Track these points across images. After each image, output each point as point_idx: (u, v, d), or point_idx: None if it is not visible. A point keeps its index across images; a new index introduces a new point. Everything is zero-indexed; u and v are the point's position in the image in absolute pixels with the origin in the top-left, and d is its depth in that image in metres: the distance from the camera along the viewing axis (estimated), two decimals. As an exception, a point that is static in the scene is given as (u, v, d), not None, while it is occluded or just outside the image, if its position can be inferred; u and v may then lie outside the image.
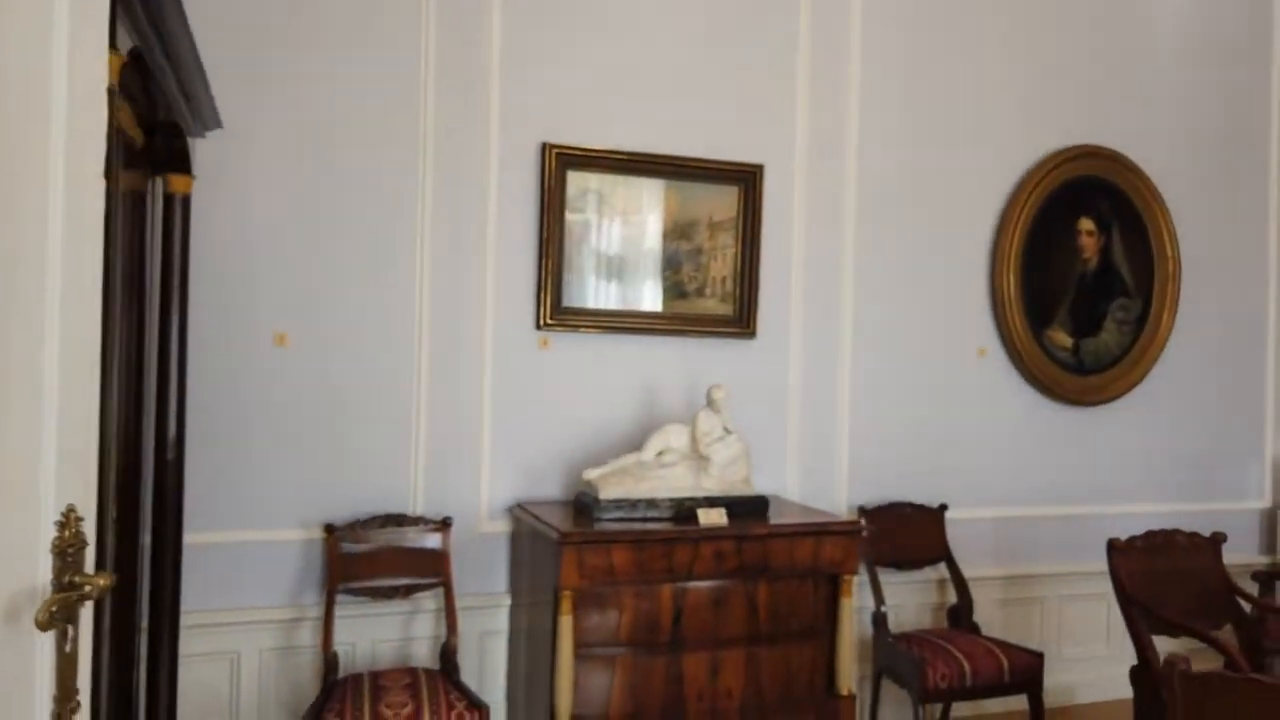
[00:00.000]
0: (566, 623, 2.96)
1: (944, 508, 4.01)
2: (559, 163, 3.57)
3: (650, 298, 3.73)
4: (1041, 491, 4.30)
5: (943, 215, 4.15)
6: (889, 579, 3.92)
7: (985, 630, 3.91)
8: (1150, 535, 3.38)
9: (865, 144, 4.01)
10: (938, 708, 3.89)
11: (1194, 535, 3.46)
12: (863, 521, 3.79)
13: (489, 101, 3.51)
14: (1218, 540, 3.48)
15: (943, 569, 3.98)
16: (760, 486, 3.76)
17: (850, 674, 3.30)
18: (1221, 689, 1.82)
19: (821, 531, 3.26)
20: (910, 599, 4.04)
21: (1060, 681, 4.20)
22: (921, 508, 3.99)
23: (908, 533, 3.94)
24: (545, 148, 3.55)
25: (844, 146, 3.99)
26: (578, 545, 2.97)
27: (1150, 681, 3.13)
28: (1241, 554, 4.56)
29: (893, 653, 3.59)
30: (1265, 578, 4.11)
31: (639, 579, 3.06)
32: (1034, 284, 4.24)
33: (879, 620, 3.70)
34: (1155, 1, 4.51)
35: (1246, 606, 3.38)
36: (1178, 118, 4.53)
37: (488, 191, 3.51)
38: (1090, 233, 4.35)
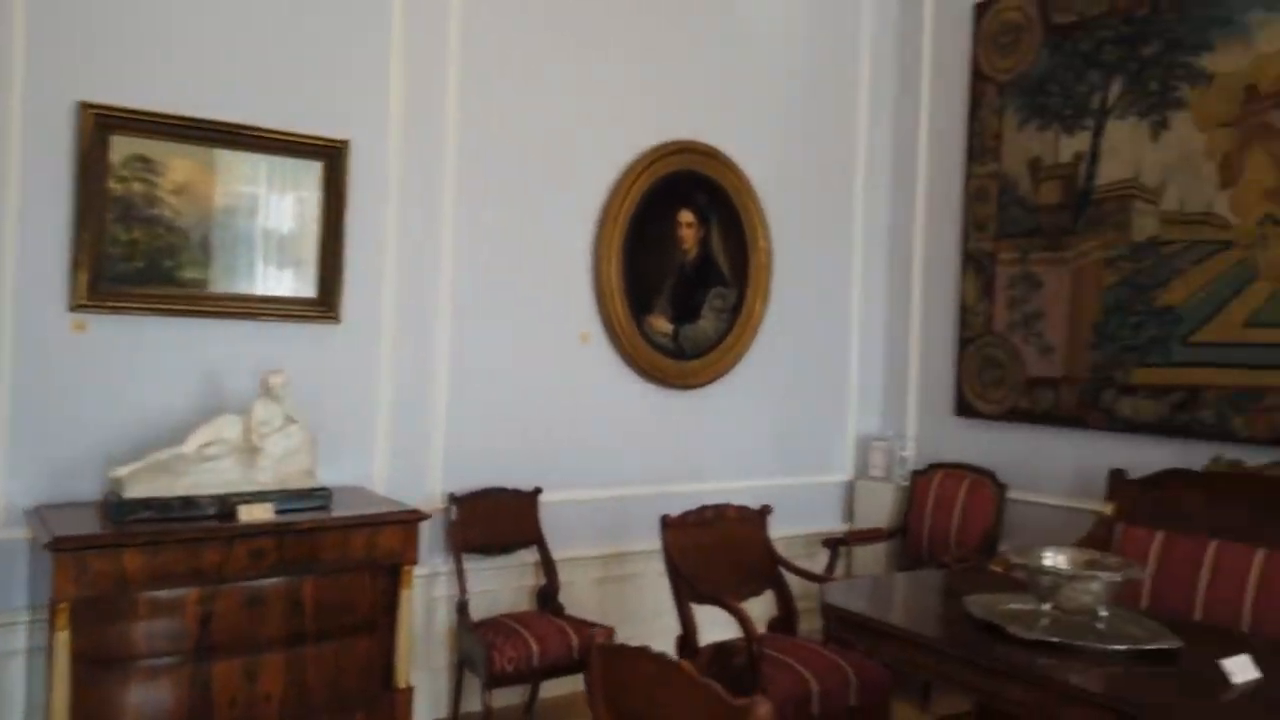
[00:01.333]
0: (62, 639, 2.68)
1: (538, 491, 4.07)
2: (97, 125, 3.22)
3: (220, 278, 3.47)
4: (644, 472, 4.47)
5: (548, 201, 4.19)
6: (480, 565, 3.92)
7: (576, 610, 4.02)
8: (703, 510, 3.59)
9: (465, 125, 3.95)
10: (526, 690, 3.96)
11: (743, 509, 3.72)
12: (442, 509, 3.76)
13: (11, 52, 3.09)
14: (764, 513, 3.76)
15: (536, 552, 4.04)
16: (341, 478, 3.62)
17: (406, 667, 3.25)
18: (632, 661, 1.90)
19: (377, 523, 3.18)
20: (505, 584, 4.07)
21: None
22: (516, 492, 4.02)
23: (501, 518, 3.95)
24: (81, 107, 3.19)
25: (443, 124, 3.91)
26: (75, 552, 2.69)
27: (691, 651, 3.33)
28: (826, 523, 5.01)
29: (469, 639, 3.59)
30: (834, 543, 4.52)
31: (158, 584, 2.83)
32: (636, 272, 4.39)
33: (461, 608, 3.69)
34: (756, 13, 4.79)
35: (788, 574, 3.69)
36: (774, 119, 4.85)
37: (8, 156, 3.11)
38: (690, 224, 4.57)
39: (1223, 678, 2.23)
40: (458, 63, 3.94)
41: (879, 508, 4.94)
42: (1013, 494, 4.49)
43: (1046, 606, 2.54)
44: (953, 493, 4.59)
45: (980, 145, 4.72)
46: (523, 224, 4.12)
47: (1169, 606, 3.66)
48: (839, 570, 4.78)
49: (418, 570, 3.35)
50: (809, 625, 4.21)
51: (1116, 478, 4.01)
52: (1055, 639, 2.39)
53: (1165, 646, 2.40)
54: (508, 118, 4.06)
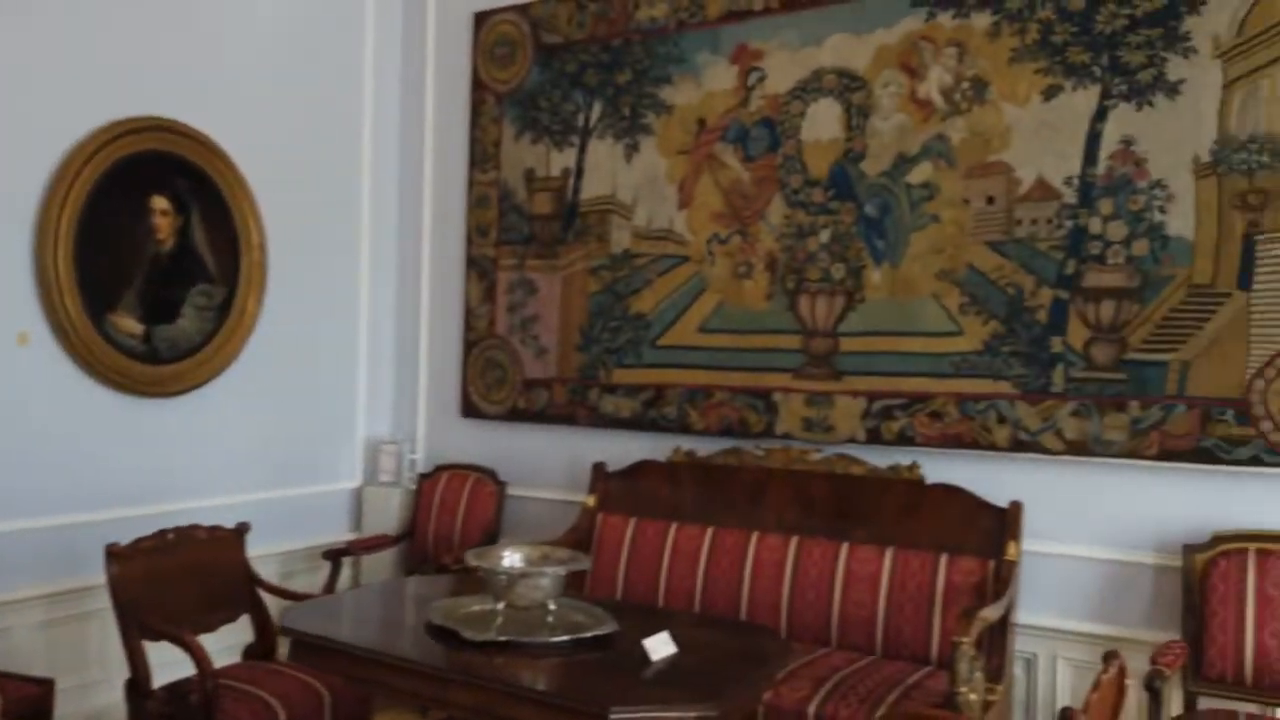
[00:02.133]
0: None
1: (-47, 527, 3.36)
2: None
3: None
4: (105, 494, 3.90)
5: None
6: None
7: (14, 661, 3.38)
8: (163, 534, 3.22)
9: None
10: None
11: (216, 529, 3.40)
12: None
13: None
14: (241, 531, 3.48)
15: (-50, 600, 3.34)
16: None
17: None
18: None
19: None
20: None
21: (98, 705, 3.82)
22: (-82, 530, 3.28)
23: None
24: None
25: None
26: None
27: (143, 694, 2.95)
28: (333, 534, 4.80)
29: None
30: (335, 555, 4.33)
31: None
32: (93, 265, 3.81)
33: None
34: (253, 9, 4.43)
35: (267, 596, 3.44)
36: (271, 108, 4.52)
37: None
38: (165, 212, 4.08)
39: (646, 656, 2.46)
40: None
41: (388, 513, 4.84)
42: (513, 491, 4.66)
43: (501, 606, 2.61)
44: (457, 493, 4.65)
45: (482, 153, 4.83)
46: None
47: (641, 587, 4.03)
48: (346, 582, 4.61)
49: None
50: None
51: (598, 470, 4.33)
52: (505, 638, 2.47)
53: (603, 632, 2.59)
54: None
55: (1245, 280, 3.25)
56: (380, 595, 3.34)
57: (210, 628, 3.24)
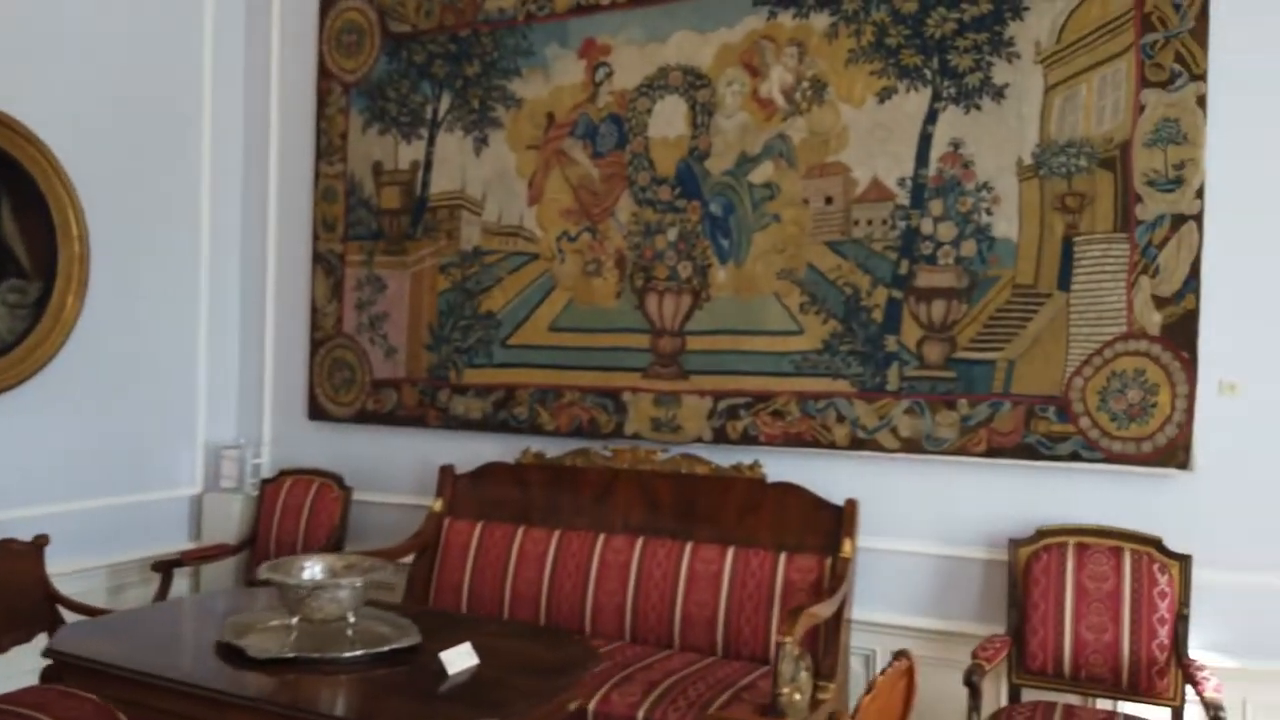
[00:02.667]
0: None
1: None
2: None
3: None
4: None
5: None
6: None
7: None
8: (-55, 553, 2.97)
9: None
10: None
11: (10, 542, 3.17)
12: None
13: None
14: (39, 545, 3.25)
15: None
16: None
17: None
18: None
19: None
20: None
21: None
22: None
23: None
24: None
25: None
26: None
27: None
28: (170, 544, 4.54)
29: None
30: (166, 566, 4.10)
31: None
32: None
33: None
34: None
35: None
36: (99, 97, 4.24)
37: None
38: (-32, 203, 3.79)
39: (444, 669, 2.36)
40: None
41: (229, 521, 4.61)
42: (361, 496, 4.50)
43: (295, 620, 2.48)
44: (301, 499, 4.46)
45: (329, 144, 4.65)
46: None
47: (487, 593, 3.93)
48: (185, 595, 4.38)
49: None
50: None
51: (445, 473, 4.21)
52: (294, 655, 2.34)
53: (404, 645, 2.49)
54: None
55: (1065, 281, 3.33)
56: (176, 611, 3.16)
57: (3, 648, 3.01)
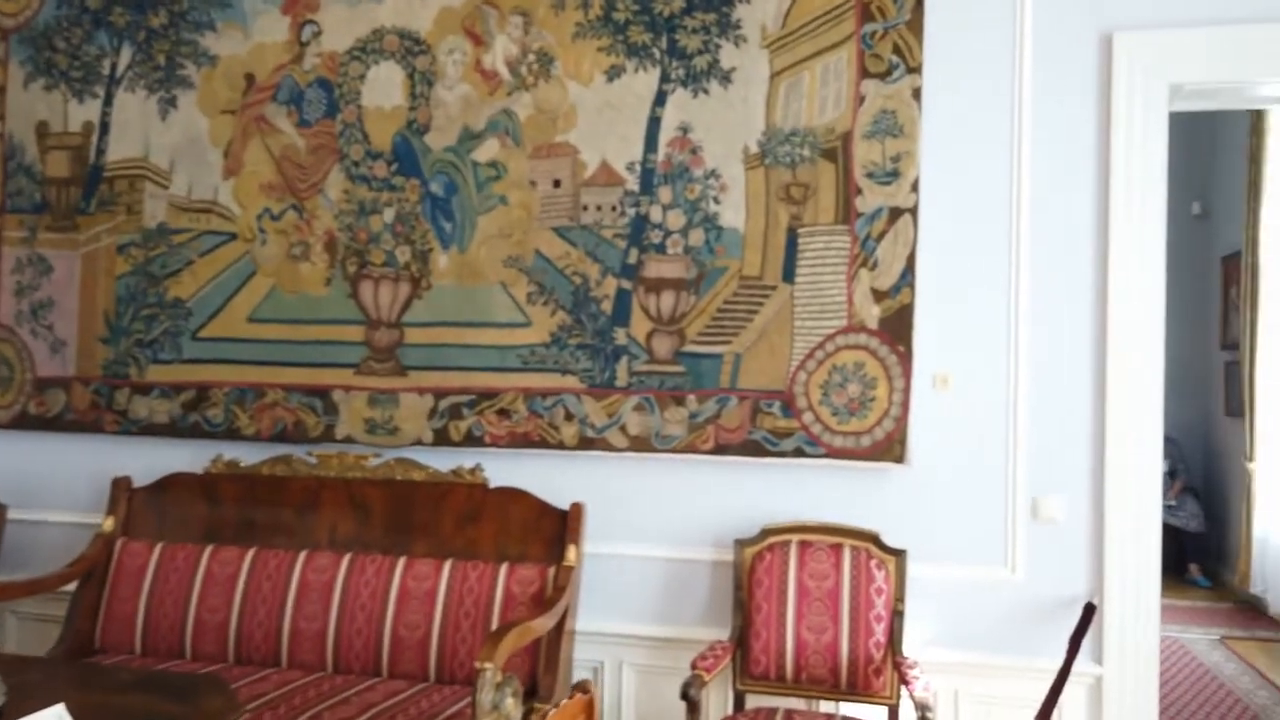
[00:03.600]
0: None
1: None
2: None
3: None
4: None
5: None
6: None
7: None
8: None
9: None
10: None
11: None
12: None
13: None
14: None
15: None
16: None
17: None
18: None
19: None
20: None
21: None
22: None
23: None
24: None
25: None
26: None
27: None
28: None
29: None
30: None
31: None
32: None
33: None
34: None
35: None
36: None
37: None
38: None
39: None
40: None
41: None
42: (19, 515, 3.80)
43: None
44: (-63, 523, 3.70)
45: (-19, 99, 3.91)
46: None
47: (165, 625, 3.39)
48: None
49: None
50: None
51: (119, 487, 3.62)
52: None
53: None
54: None
55: (790, 273, 3.25)
56: None
57: None
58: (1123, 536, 3.04)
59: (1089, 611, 2.96)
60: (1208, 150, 6.99)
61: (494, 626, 3.14)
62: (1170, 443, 6.88)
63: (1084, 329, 3.09)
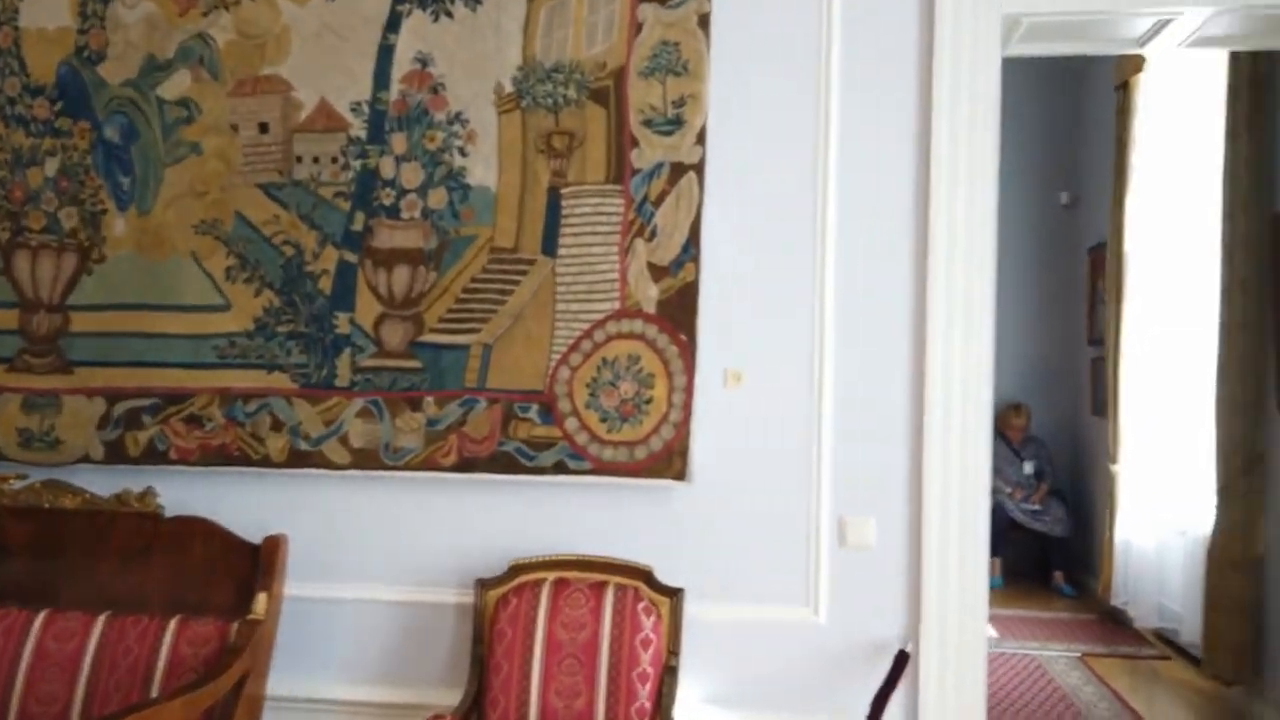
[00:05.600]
0: None
1: None
2: None
3: None
4: None
5: None
6: None
7: None
8: None
9: None
10: None
11: None
12: None
13: None
14: None
15: None
16: None
17: None
18: None
19: None
20: None
21: None
22: None
23: None
24: None
25: None
26: None
27: None
28: None
29: None
30: None
31: None
32: None
33: None
34: None
35: None
36: None
37: None
38: None
39: None
40: None
41: None
42: None
43: None
44: None
45: None
46: None
47: None
48: None
49: None
50: None
51: None
52: None
53: None
54: None
55: (550, 244, 2.61)
56: None
57: None
58: (945, 567, 2.48)
59: (901, 660, 2.40)
60: (1076, 136, 6.65)
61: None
62: (1037, 444, 6.59)
63: (902, 313, 2.53)
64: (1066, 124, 6.65)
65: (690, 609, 2.49)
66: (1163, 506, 5.02)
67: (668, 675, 2.40)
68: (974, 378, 2.46)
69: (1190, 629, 4.56)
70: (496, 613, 2.49)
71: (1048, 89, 6.67)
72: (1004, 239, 7.01)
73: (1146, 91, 5.17)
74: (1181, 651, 4.72)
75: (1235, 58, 3.97)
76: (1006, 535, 6.26)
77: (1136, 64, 5.15)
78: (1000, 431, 6.54)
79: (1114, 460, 5.36)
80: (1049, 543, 6.24)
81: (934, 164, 2.49)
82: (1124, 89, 5.34)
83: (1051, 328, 6.67)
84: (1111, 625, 5.38)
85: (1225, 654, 4.07)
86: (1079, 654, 4.91)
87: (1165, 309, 5.05)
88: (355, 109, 2.67)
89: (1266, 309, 3.90)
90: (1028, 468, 6.39)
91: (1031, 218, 6.70)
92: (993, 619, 5.61)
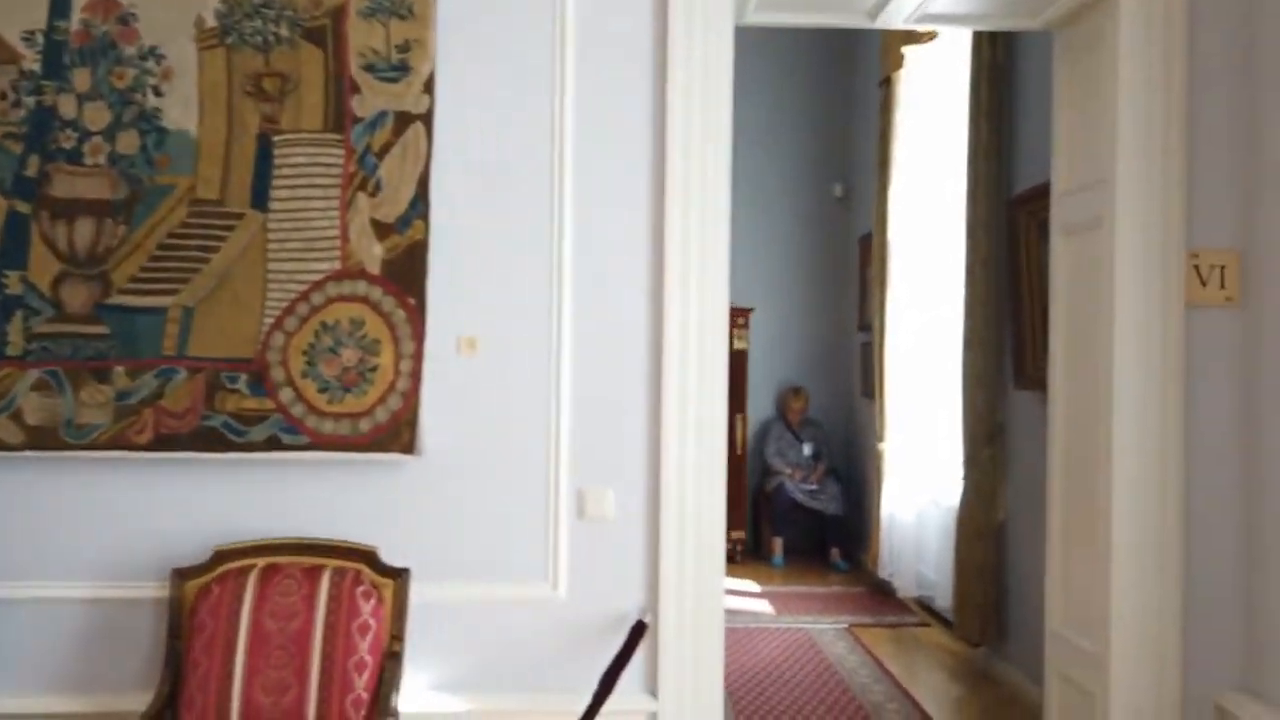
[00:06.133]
0: None
1: None
2: None
3: None
4: None
5: None
6: None
7: None
8: None
9: None
10: None
11: None
12: None
13: None
14: None
15: None
16: None
17: None
18: None
19: None
20: None
21: None
22: None
23: None
24: None
25: None
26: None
27: None
28: None
29: None
30: None
31: None
32: None
33: None
34: None
35: None
36: None
37: None
38: None
39: None
40: None
41: None
42: None
43: None
44: None
45: None
46: None
47: None
48: None
49: None
50: None
51: None
52: None
53: None
54: None
55: (261, 197, 2.36)
56: None
57: None
58: (683, 537, 2.43)
59: (637, 631, 2.33)
60: (848, 132, 6.94)
61: None
62: (815, 426, 6.83)
63: (640, 276, 2.46)
64: (841, 120, 6.93)
65: (421, 591, 2.32)
66: (922, 480, 5.29)
67: (390, 662, 2.23)
68: (710, 339, 2.43)
69: (944, 595, 4.81)
70: (196, 604, 2.23)
71: (823, 86, 6.93)
72: (784, 230, 7.24)
73: (907, 86, 5.42)
74: (939, 617, 4.97)
75: (977, 49, 4.20)
76: (788, 516, 6.46)
77: (897, 60, 5.39)
78: (781, 415, 6.74)
79: (881, 439, 5.59)
80: (826, 521, 6.47)
81: (669, 124, 2.43)
82: (886, 84, 5.59)
83: (828, 315, 6.94)
84: (880, 596, 5.62)
85: (972, 617, 4.30)
86: (846, 625, 5.08)
87: (925, 294, 5.32)
88: (28, 39, 2.33)
89: (1005, 286, 4.15)
90: (806, 449, 6.61)
91: (809, 209, 6.95)
92: (770, 596, 5.78)
